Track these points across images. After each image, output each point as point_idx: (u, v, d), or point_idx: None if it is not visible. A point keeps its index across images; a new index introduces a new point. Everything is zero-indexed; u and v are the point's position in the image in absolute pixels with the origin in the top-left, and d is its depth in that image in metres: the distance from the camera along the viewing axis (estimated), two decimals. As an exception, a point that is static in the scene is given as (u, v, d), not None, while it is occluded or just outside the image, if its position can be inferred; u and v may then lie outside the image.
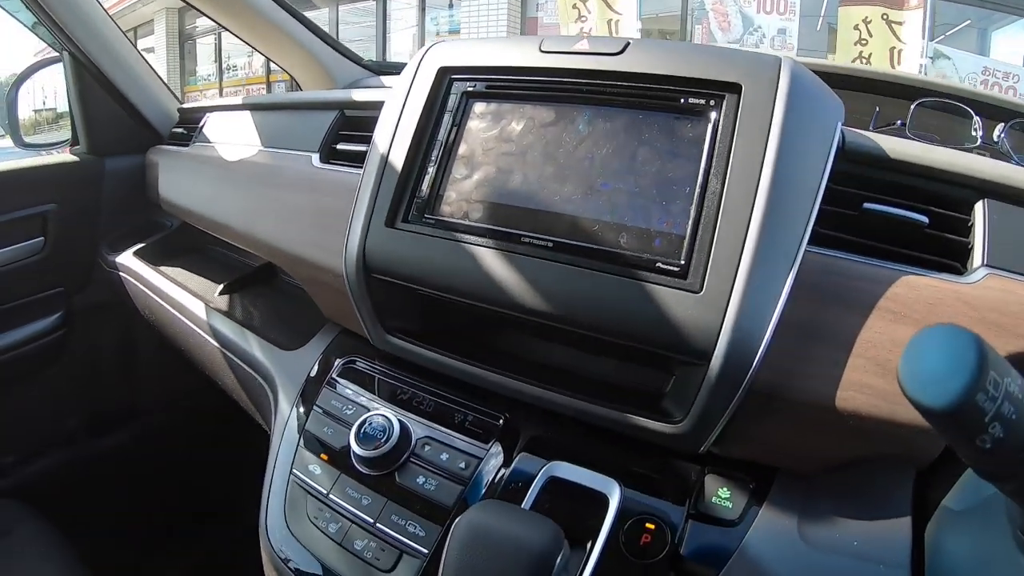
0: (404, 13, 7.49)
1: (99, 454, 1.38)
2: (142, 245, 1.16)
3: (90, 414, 1.37)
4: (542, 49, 0.61)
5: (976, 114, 0.69)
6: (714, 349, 0.48)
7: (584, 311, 0.53)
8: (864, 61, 4.70)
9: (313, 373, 0.76)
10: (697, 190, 0.52)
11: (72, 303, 1.28)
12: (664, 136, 0.55)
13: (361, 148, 0.77)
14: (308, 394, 0.74)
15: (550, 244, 0.55)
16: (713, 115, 0.53)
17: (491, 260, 0.57)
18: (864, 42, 4.70)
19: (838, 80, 0.90)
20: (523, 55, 0.62)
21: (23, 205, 1.16)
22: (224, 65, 9.83)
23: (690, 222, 0.51)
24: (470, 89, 0.64)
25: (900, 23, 4.62)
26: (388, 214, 0.63)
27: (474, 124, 0.63)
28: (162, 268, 1.10)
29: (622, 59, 0.58)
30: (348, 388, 0.72)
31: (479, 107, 0.63)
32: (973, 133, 0.68)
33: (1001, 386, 0.28)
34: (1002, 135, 0.69)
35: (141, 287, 1.09)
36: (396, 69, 1.41)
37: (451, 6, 7.00)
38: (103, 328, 1.34)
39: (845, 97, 0.92)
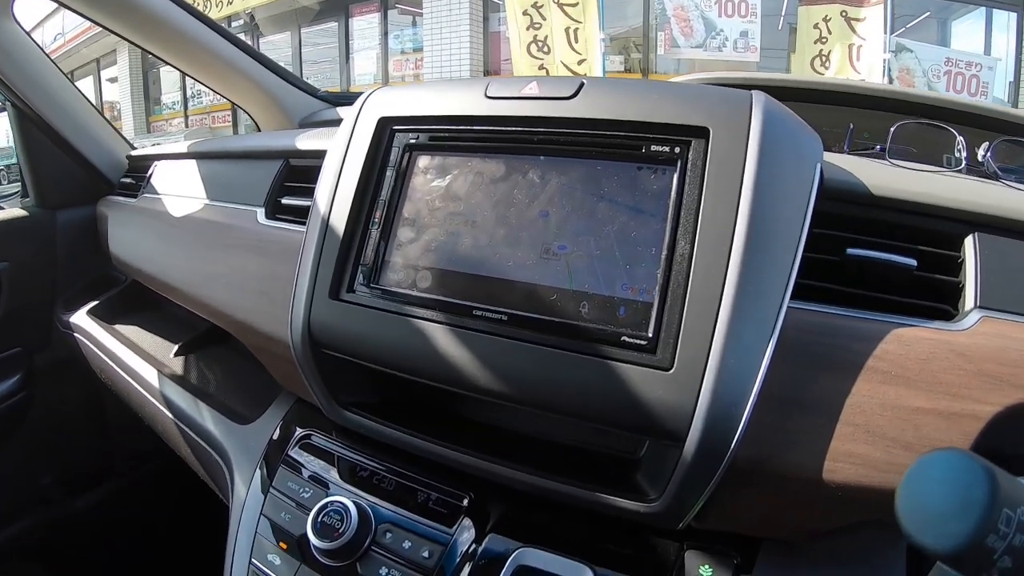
0: (368, 32, 7.41)
1: (75, 514, 1.32)
2: (96, 303, 1.10)
3: (63, 474, 1.32)
4: (488, 94, 0.56)
5: (959, 133, 0.64)
6: (688, 432, 0.43)
7: (543, 392, 0.48)
8: (824, 59, 4.67)
9: (269, 450, 0.70)
10: (664, 251, 0.46)
11: (33, 363, 1.22)
12: (625, 189, 0.49)
13: (306, 203, 0.72)
14: (264, 474, 0.68)
15: (504, 317, 0.50)
16: (679, 164, 0.48)
17: (441, 336, 0.52)
18: (824, 40, 4.66)
19: (810, 95, 0.85)
20: (468, 102, 0.57)
21: (-27, 265, 1.11)
22: (189, 92, 9.70)
23: (657, 288, 0.46)
24: (413, 141, 0.59)
25: (859, 20, 4.58)
26: (332, 284, 0.58)
27: (419, 180, 0.58)
28: (117, 327, 1.04)
29: (576, 103, 0.53)
30: (305, 467, 0.66)
31: (423, 161, 0.58)
32: (957, 155, 0.63)
33: (1014, 520, 0.24)
34: (988, 155, 0.63)
35: (96, 351, 1.03)
36: (351, 99, 1.36)
37: (415, 24, 6.92)
38: (68, 386, 1.28)
39: (817, 111, 0.88)
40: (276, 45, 8.33)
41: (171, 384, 0.86)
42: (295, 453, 0.68)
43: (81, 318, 1.09)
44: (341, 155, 0.62)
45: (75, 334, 1.10)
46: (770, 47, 5.45)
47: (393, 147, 0.60)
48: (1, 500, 1.23)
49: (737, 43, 5.40)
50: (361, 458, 0.65)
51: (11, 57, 1.07)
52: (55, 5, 1.10)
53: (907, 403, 0.44)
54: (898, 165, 0.62)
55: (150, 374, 0.89)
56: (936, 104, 0.85)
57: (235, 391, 0.83)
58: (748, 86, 0.84)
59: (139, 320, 1.05)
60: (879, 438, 0.44)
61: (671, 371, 0.44)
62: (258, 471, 0.69)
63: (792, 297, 0.47)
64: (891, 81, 4.83)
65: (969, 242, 0.51)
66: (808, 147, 0.52)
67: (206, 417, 0.78)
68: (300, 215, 0.73)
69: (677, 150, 0.48)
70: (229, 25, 8.38)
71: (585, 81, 0.54)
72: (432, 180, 0.57)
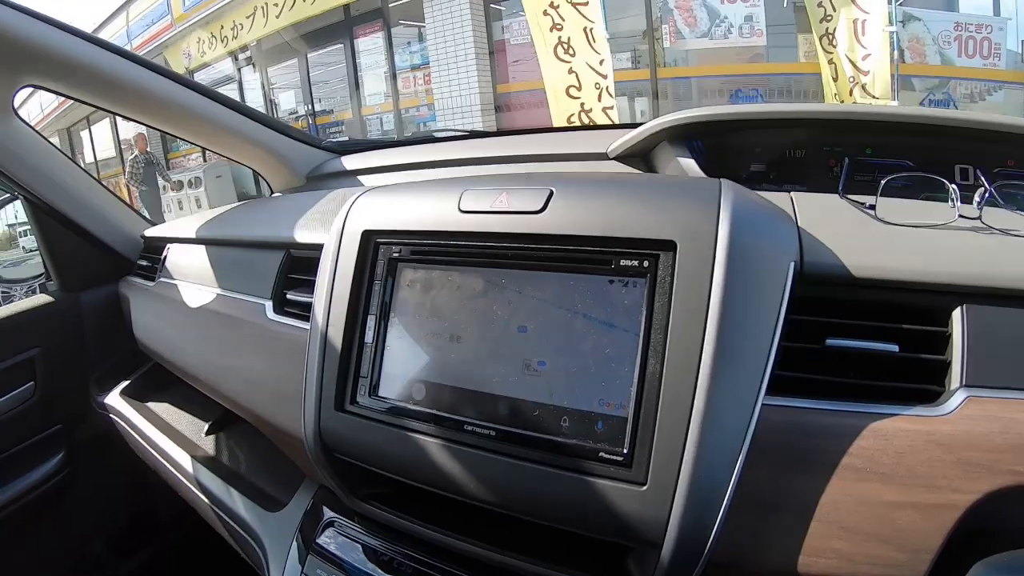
0: (374, 51, 7.37)
1: (128, 576, 1.39)
2: (128, 383, 1.16)
3: (112, 537, 1.38)
4: (461, 208, 0.59)
5: (951, 182, 0.63)
6: (663, 540, 0.46)
7: (530, 504, 0.52)
8: (830, 38, 4.48)
9: (300, 536, 0.75)
10: (637, 368, 0.49)
11: (73, 439, 1.27)
12: (598, 305, 0.51)
13: (309, 298, 0.75)
14: (296, 560, 0.73)
15: (492, 433, 0.53)
16: (648, 278, 0.50)
17: (436, 450, 0.55)
18: (828, 18, 4.46)
19: (805, 122, 0.85)
20: (442, 216, 0.59)
21: (7, 354, 1.15)
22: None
23: (631, 403, 0.48)
24: (396, 255, 0.62)
25: (862, -8, 4.39)
26: (336, 396, 0.62)
27: (404, 294, 0.61)
28: (149, 405, 1.09)
29: (545, 218, 0.55)
30: (332, 554, 0.71)
31: (408, 274, 0.61)
32: (951, 207, 0.62)
33: None
34: (982, 202, 0.62)
35: (132, 432, 1.09)
36: (357, 147, 1.38)
37: (421, 39, 6.88)
38: (109, 455, 1.34)
39: (817, 133, 0.87)
40: (285, 70, 8.38)
41: (203, 469, 0.91)
42: (322, 541, 0.72)
43: (115, 399, 1.15)
44: (332, 265, 0.65)
45: (111, 415, 1.16)
46: (776, 24, 5.30)
47: (379, 259, 0.63)
48: (55, 568, 1.29)
49: (743, 28, 5.29)
50: (380, 543, 0.69)
51: (15, 153, 1.09)
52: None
53: (882, 498, 0.46)
54: (888, 222, 0.60)
55: (183, 458, 0.94)
56: (935, 122, 0.82)
57: (265, 470, 0.88)
58: (738, 120, 0.85)
59: (170, 396, 1.10)
60: (855, 534, 0.46)
61: (645, 487, 0.47)
62: (290, 559, 0.74)
63: (770, 391, 0.49)
64: (901, 53, 4.67)
65: (957, 315, 0.51)
66: (781, 244, 0.52)
67: (238, 504, 0.83)
68: (305, 309, 0.76)
69: (646, 264, 0.50)
70: (237, 59, 8.45)
71: (554, 190, 0.56)
72: (417, 294, 0.60)
